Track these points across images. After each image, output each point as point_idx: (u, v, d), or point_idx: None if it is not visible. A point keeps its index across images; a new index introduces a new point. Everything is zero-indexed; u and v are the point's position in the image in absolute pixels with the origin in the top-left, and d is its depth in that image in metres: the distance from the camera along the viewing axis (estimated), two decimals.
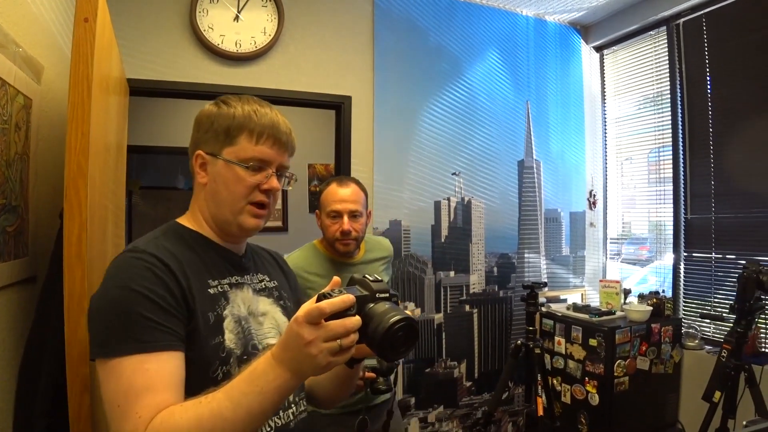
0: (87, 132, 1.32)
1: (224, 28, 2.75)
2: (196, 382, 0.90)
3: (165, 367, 0.88)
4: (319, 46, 2.99)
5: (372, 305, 0.87)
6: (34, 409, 1.42)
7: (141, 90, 2.59)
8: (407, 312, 0.86)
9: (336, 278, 0.92)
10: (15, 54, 1.41)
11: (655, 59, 3.37)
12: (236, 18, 2.76)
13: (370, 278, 0.90)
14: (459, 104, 3.34)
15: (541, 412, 2.51)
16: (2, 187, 1.36)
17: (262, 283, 1.16)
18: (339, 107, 3.05)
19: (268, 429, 1.01)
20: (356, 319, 0.82)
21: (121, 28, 2.51)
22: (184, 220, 1.11)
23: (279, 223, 4.91)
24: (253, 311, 1.09)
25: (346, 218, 1.93)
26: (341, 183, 2.01)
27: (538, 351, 2.59)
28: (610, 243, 3.85)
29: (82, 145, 1.32)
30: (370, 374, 1.73)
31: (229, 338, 1.00)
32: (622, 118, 3.71)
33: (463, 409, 3.29)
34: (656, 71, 3.37)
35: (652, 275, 3.49)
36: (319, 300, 0.81)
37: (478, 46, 3.39)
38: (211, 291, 1.02)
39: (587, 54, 3.76)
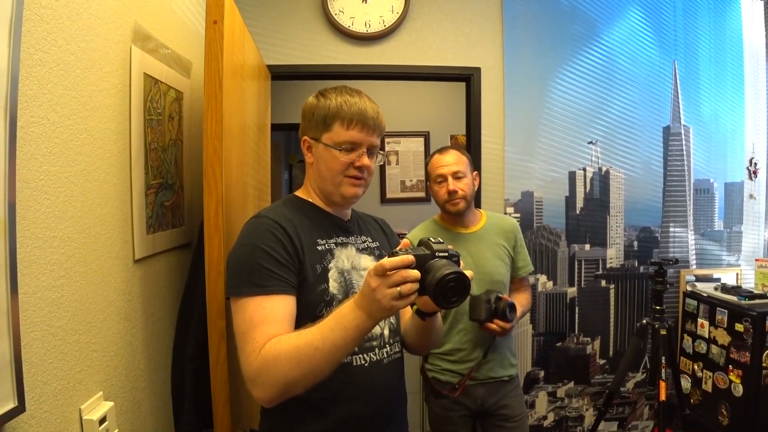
0: (220, 119, 1.68)
1: (354, 10, 3.19)
2: (307, 318, 1.28)
3: (278, 307, 1.26)
4: (447, 19, 3.31)
5: (432, 262, 1.13)
6: (185, 354, 1.94)
7: (281, 74, 3.13)
8: (462, 269, 1.12)
9: (405, 240, 1.22)
10: (164, 55, 1.92)
11: None
12: (364, 0, 3.21)
13: (434, 240, 1.19)
14: (595, 69, 3.48)
15: (663, 397, 2.61)
16: (160, 168, 1.88)
17: (365, 243, 1.56)
18: (468, 79, 3.35)
19: (364, 362, 1.40)
20: (413, 272, 1.09)
21: (258, 18, 3.10)
22: (300, 193, 1.56)
23: (422, 194, 5.41)
24: (356, 266, 1.47)
25: (450, 179, 2.32)
26: (442, 152, 2.41)
27: (663, 332, 2.70)
28: None
29: (216, 130, 1.68)
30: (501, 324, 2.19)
31: (333, 285, 1.39)
32: None
33: (595, 387, 3.52)
34: None
35: None
36: (389, 257, 1.10)
37: (615, 3, 3.49)
38: (319, 248, 1.41)
39: (748, 3, 3.68)
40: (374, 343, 1.44)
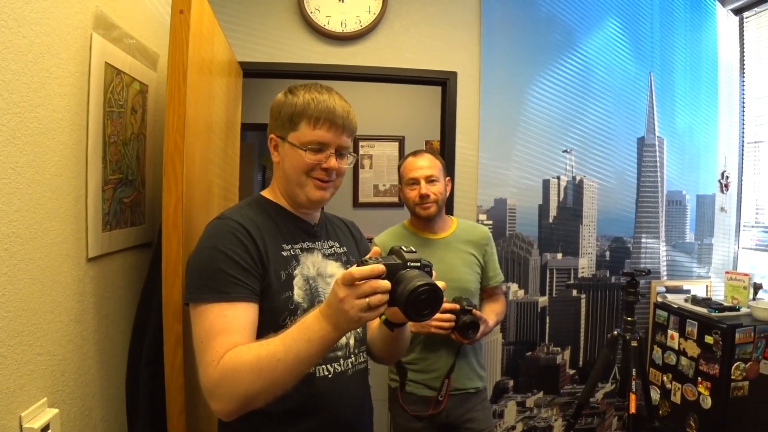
0: (183, 114, 1.62)
1: (330, 9, 3.14)
2: (269, 328, 1.21)
3: (240, 315, 1.20)
4: (424, 22, 3.28)
5: (403, 272, 1.09)
6: (141, 359, 1.84)
7: (254, 72, 3.06)
8: (434, 280, 1.08)
9: (375, 248, 1.17)
10: (129, 45, 1.84)
11: None
12: None
13: (405, 249, 1.15)
14: (572, 77, 3.48)
15: (633, 410, 2.61)
16: (119, 163, 1.80)
17: (332, 249, 1.50)
18: (444, 83, 3.32)
19: (328, 373, 1.35)
20: (383, 283, 1.05)
21: (230, 13, 3.03)
22: (266, 193, 1.49)
23: (395, 199, 5.35)
24: (322, 273, 1.42)
25: (423, 183, 2.28)
26: (416, 155, 2.38)
27: (635, 344, 2.69)
28: (744, 229, 3.83)
29: (178, 125, 1.62)
30: (453, 305, 2.11)
31: (298, 293, 1.33)
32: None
33: (564, 397, 3.51)
34: None
35: None
36: (358, 266, 1.06)
37: (594, 14, 3.49)
38: (284, 253, 1.35)
39: (723, 18, 3.72)
40: (339, 354, 1.39)
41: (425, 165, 2.31)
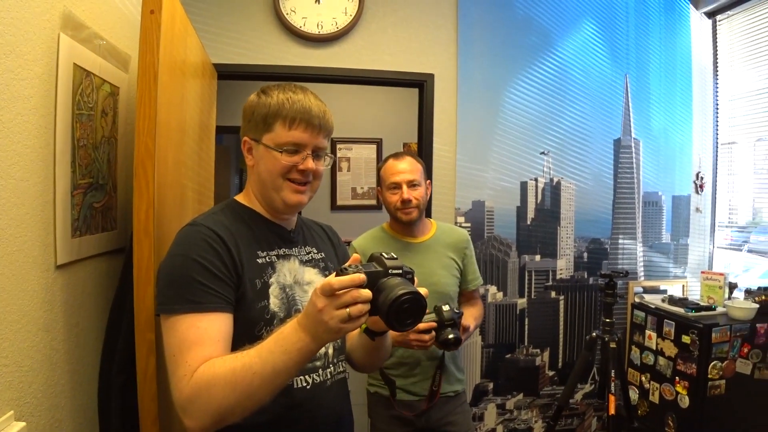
0: (153, 116, 1.57)
1: (306, 10, 3.11)
2: (244, 339, 1.16)
3: (213, 326, 1.15)
4: (401, 24, 3.26)
5: (384, 280, 1.05)
6: (112, 368, 1.78)
7: (229, 74, 3.01)
8: (417, 287, 1.05)
9: (355, 255, 1.13)
10: (99, 47, 1.79)
11: None
12: (317, 0, 3.11)
13: (386, 256, 1.11)
14: (549, 79, 3.50)
15: (613, 411, 2.60)
16: (90, 167, 1.75)
17: (310, 255, 1.45)
18: (421, 85, 3.31)
19: (306, 384, 1.30)
20: (364, 292, 1.01)
21: (204, 14, 2.99)
22: (240, 198, 1.43)
23: (373, 202, 5.34)
24: (299, 280, 1.37)
25: (405, 187, 2.24)
26: (397, 157, 2.33)
27: (613, 345, 2.69)
28: (719, 229, 3.88)
29: (149, 128, 1.57)
30: (430, 324, 1.98)
31: (274, 302, 1.28)
32: (741, 93, 3.69)
33: (544, 398, 3.51)
34: None
35: None
36: (337, 274, 1.02)
37: (570, 16, 3.52)
38: (260, 261, 1.30)
39: (697, 21, 3.77)
40: (317, 364, 1.34)
41: (407, 169, 2.27)
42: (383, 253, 1.13)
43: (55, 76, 1.52)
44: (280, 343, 1.06)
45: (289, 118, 1.29)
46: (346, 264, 1.07)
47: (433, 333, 1.99)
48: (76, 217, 1.65)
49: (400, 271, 1.09)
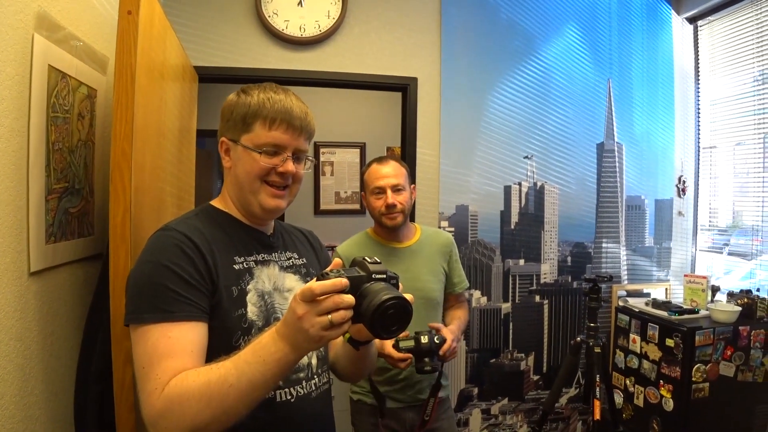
0: (130, 119, 1.54)
1: (288, 13, 3.08)
2: (221, 350, 1.09)
3: (186, 336, 1.08)
4: (384, 28, 3.25)
5: (368, 285, 1.00)
6: (89, 377, 1.73)
7: (210, 77, 2.98)
8: (402, 293, 1.00)
9: (337, 260, 1.09)
10: (75, 48, 1.74)
11: (758, 29, 3.35)
12: (300, 3, 3.08)
13: (370, 260, 1.06)
14: (532, 84, 3.50)
15: (598, 416, 2.58)
16: (65, 171, 1.70)
17: (290, 260, 1.39)
18: (405, 89, 3.30)
19: (290, 397, 1.24)
20: (347, 297, 0.96)
21: (185, 16, 2.95)
22: (216, 202, 1.36)
23: (357, 206, 5.30)
24: (279, 287, 1.31)
25: (389, 192, 2.20)
26: (381, 161, 2.29)
27: (598, 350, 2.67)
28: (701, 232, 3.90)
29: (126, 131, 1.54)
30: (407, 354, 1.97)
31: (252, 311, 1.21)
32: (721, 97, 3.72)
33: (529, 403, 3.50)
34: (758, 44, 3.37)
35: (761, 270, 3.41)
36: (318, 279, 0.96)
37: (554, 21, 3.52)
38: (236, 267, 1.24)
39: (679, 26, 3.80)
40: (301, 375, 1.28)
41: (391, 173, 2.24)
42: (366, 258, 1.07)
43: (29, 77, 1.48)
44: (258, 353, 1.00)
45: (270, 118, 1.24)
46: (328, 269, 1.03)
47: (411, 360, 1.98)
48: (50, 222, 1.60)
49: (384, 276, 1.04)
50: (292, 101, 1.27)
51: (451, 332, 2.18)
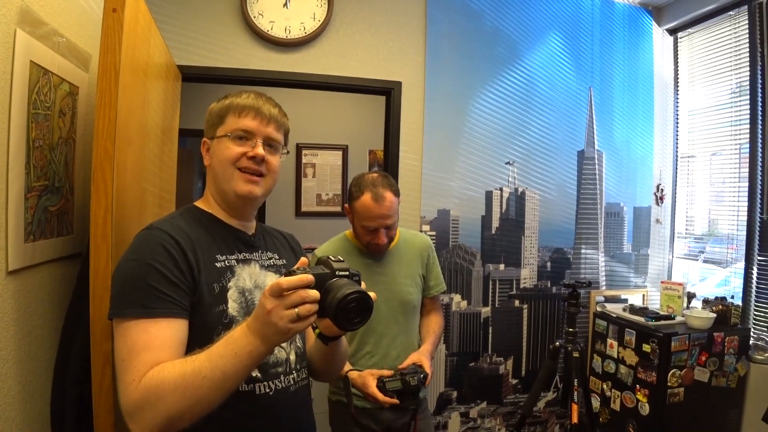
0: (113, 118, 1.53)
1: (274, 14, 3.06)
2: (202, 344, 1.13)
3: (165, 332, 1.13)
4: (370, 31, 3.25)
5: (332, 281, 1.08)
6: (67, 378, 1.71)
7: (194, 76, 2.95)
8: (364, 288, 1.08)
9: (303, 258, 1.16)
10: (58, 44, 1.72)
11: (735, 42, 3.42)
12: (285, 4, 3.07)
13: (333, 259, 1.13)
14: (515, 90, 3.52)
15: (575, 420, 2.59)
16: (45, 169, 1.68)
17: (271, 260, 1.45)
18: (389, 93, 3.30)
19: (269, 390, 1.29)
20: (312, 292, 1.02)
21: (170, 15, 2.92)
22: (200, 203, 1.42)
23: (338, 209, 5.28)
24: (259, 285, 1.36)
25: (382, 232, 2.15)
26: (377, 198, 2.10)
27: (576, 355, 2.69)
28: (678, 239, 3.95)
29: (109, 130, 1.53)
30: (393, 401, 1.99)
31: (232, 306, 1.27)
32: (699, 108, 3.77)
33: (507, 407, 3.52)
34: (735, 57, 3.44)
35: (735, 278, 3.45)
36: (286, 276, 1.03)
37: (537, 29, 3.55)
38: (218, 265, 1.29)
39: (659, 37, 3.85)
40: (279, 370, 1.33)
41: (386, 214, 2.12)
42: (330, 257, 1.15)
43: (10, 73, 1.45)
44: (230, 346, 1.05)
45: (239, 108, 1.34)
46: (294, 267, 1.10)
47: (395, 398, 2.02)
48: (29, 220, 1.58)
49: (347, 273, 1.12)
50: (264, 99, 1.38)
51: (428, 357, 2.20)
